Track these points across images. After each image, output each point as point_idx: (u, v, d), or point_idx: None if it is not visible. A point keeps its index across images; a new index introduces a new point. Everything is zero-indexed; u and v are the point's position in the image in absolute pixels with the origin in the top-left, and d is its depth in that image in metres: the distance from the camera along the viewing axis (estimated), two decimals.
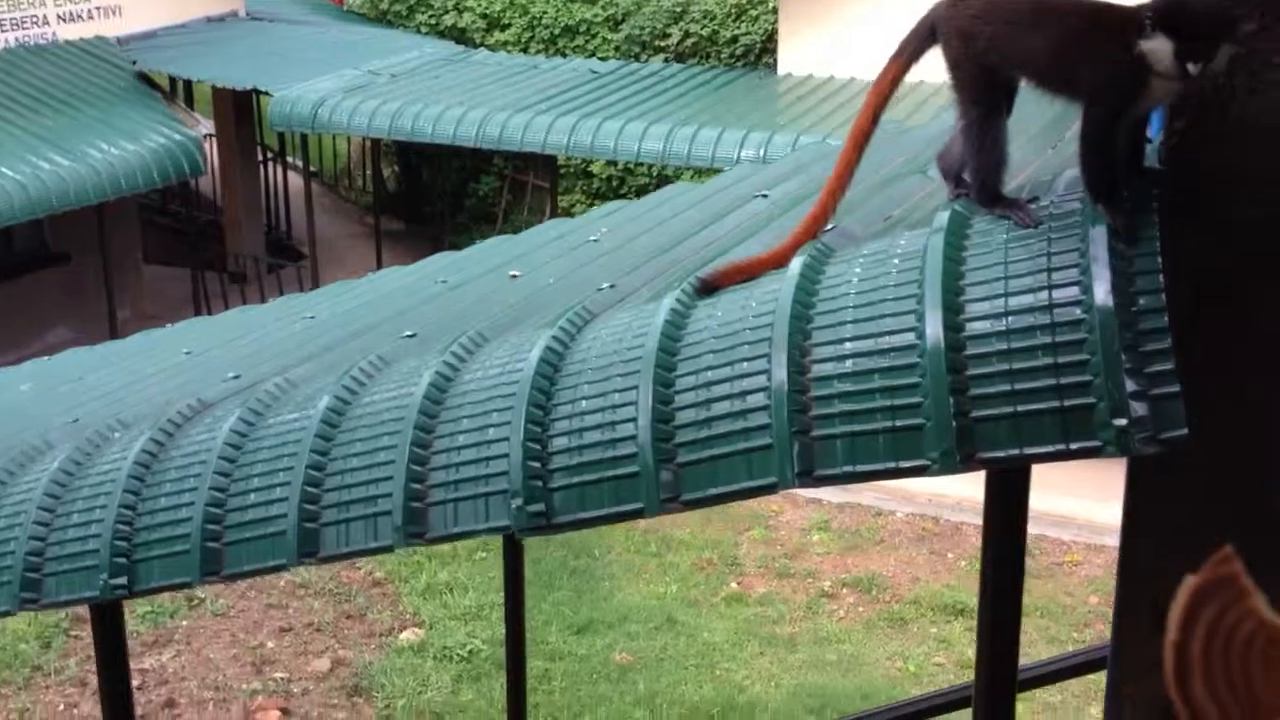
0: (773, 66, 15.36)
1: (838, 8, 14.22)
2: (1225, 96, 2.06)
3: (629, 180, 16.19)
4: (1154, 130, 2.16)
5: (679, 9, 16.44)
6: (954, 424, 1.88)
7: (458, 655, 9.04)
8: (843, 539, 10.98)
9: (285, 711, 8.38)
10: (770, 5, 15.42)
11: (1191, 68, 1.90)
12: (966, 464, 1.89)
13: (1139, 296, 1.88)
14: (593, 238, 3.83)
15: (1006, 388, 1.89)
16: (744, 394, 2.01)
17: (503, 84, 14.91)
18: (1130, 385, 1.83)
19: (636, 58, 16.48)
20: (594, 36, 17.14)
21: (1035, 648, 8.89)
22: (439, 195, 18.08)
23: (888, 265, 2.11)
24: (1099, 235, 1.94)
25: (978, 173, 2.13)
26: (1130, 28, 1.93)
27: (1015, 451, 1.88)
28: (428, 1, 18.25)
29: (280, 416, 2.35)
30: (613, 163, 15.80)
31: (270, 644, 9.20)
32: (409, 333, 2.85)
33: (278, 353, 3.22)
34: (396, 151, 18.38)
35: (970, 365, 1.91)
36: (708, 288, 2.27)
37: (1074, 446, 1.87)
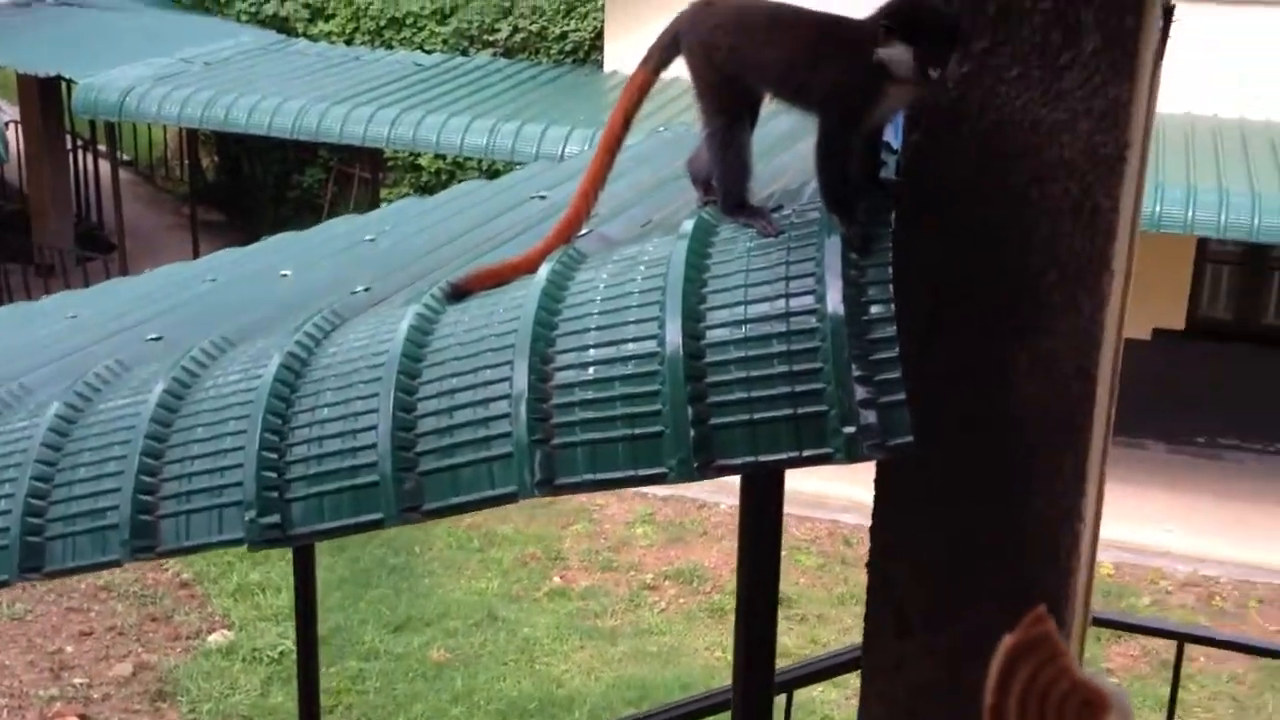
0: (600, 64, 15.38)
1: (663, 8, 14.15)
2: (960, 110, 2.10)
3: (459, 174, 16.03)
4: (896, 141, 2.20)
5: (508, 4, 16.34)
6: (692, 432, 1.88)
7: (268, 657, 8.84)
8: (667, 531, 11.08)
9: (84, 718, 8.08)
10: (599, 2, 15.41)
11: (932, 72, 1.94)
12: (704, 471, 1.90)
13: (870, 305, 1.91)
14: (369, 237, 3.76)
15: (744, 395, 1.90)
16: (486, 402, 1.98)
17: (323, 75, 14.62)
18: (860, 393, 1.85)
19: (464, 52, 16.33)
20: (421, 29, 16.92)
21: (851, 635, 9.08)
22: (260, 186, 17.64)
23: (634, 272, 2.10)
24: (833, 245, 1.95)
25: (721, 181, 2.13)
26: (864, 37, 1.95)
27: (751, 459, 1.89)
28: None
29: (7, 425, 2.23)
30: (441, 156, 15.63)
31: (70, 649, 8.86)
32: (154, 335, 2.75)
33: (20, 355, 3.08)
34: (215, 141, 17.88)
35: (709, 373, 1.92)
36: (458, 293, 2.23)
37: (807, 454, 1.88)
